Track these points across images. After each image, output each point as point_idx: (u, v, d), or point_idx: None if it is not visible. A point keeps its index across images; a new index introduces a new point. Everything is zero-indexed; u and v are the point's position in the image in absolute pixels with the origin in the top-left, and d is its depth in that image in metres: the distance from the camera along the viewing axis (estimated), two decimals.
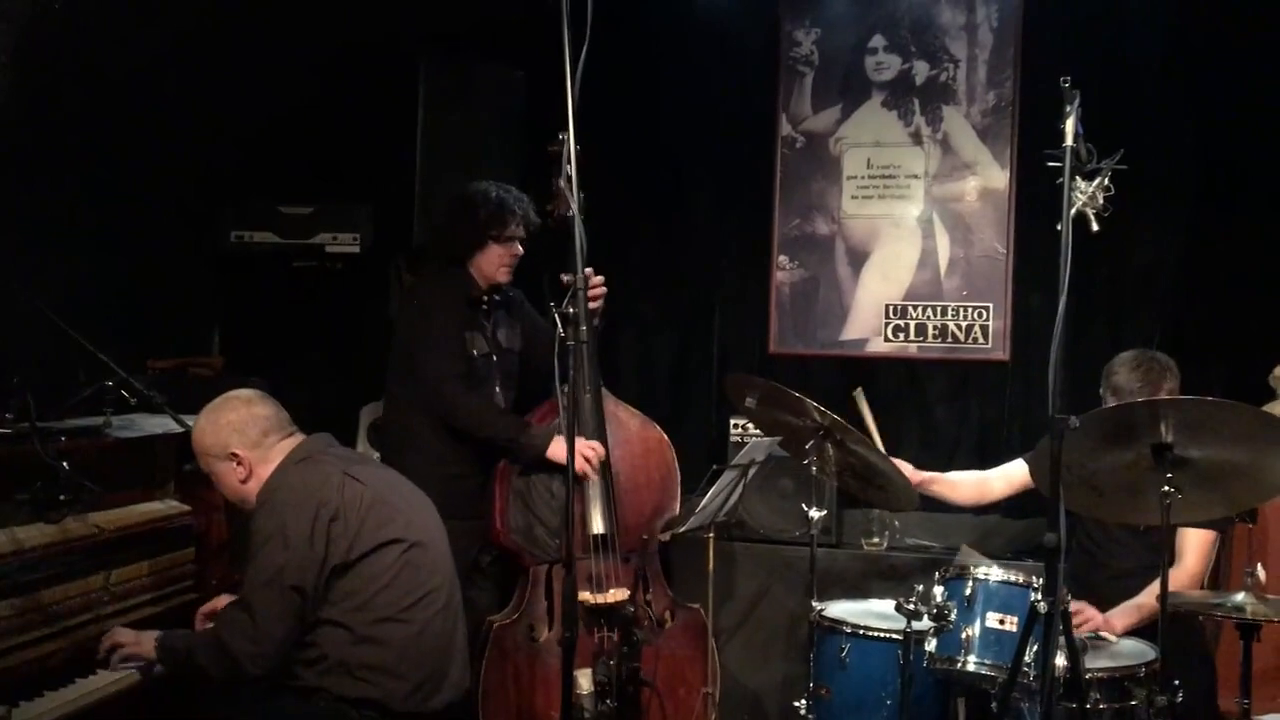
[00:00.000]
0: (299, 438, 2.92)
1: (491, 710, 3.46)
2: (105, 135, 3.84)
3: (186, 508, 3.16)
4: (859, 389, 3.73)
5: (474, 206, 3.73)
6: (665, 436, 3.90)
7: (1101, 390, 3.50)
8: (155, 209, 4.07)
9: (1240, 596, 2.76)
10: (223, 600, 3.01)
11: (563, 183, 3.67)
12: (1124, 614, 3.26)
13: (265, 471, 2.84)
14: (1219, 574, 3.73)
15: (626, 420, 3.84)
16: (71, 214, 3.72)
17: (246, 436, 2.84)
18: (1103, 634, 3.22)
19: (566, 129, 2.85)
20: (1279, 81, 4.23)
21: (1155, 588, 3.08)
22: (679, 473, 3.89)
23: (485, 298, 3.79)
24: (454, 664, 2.91)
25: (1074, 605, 3.07)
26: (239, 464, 2.84)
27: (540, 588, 3.64)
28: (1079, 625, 3.13)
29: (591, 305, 3.64)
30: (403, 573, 2.79)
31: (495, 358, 3.80)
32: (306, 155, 4.51)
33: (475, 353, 3.73)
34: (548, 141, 3.20)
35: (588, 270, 3.65)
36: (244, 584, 2.74)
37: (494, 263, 3.75)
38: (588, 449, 3.57)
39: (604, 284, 3.66)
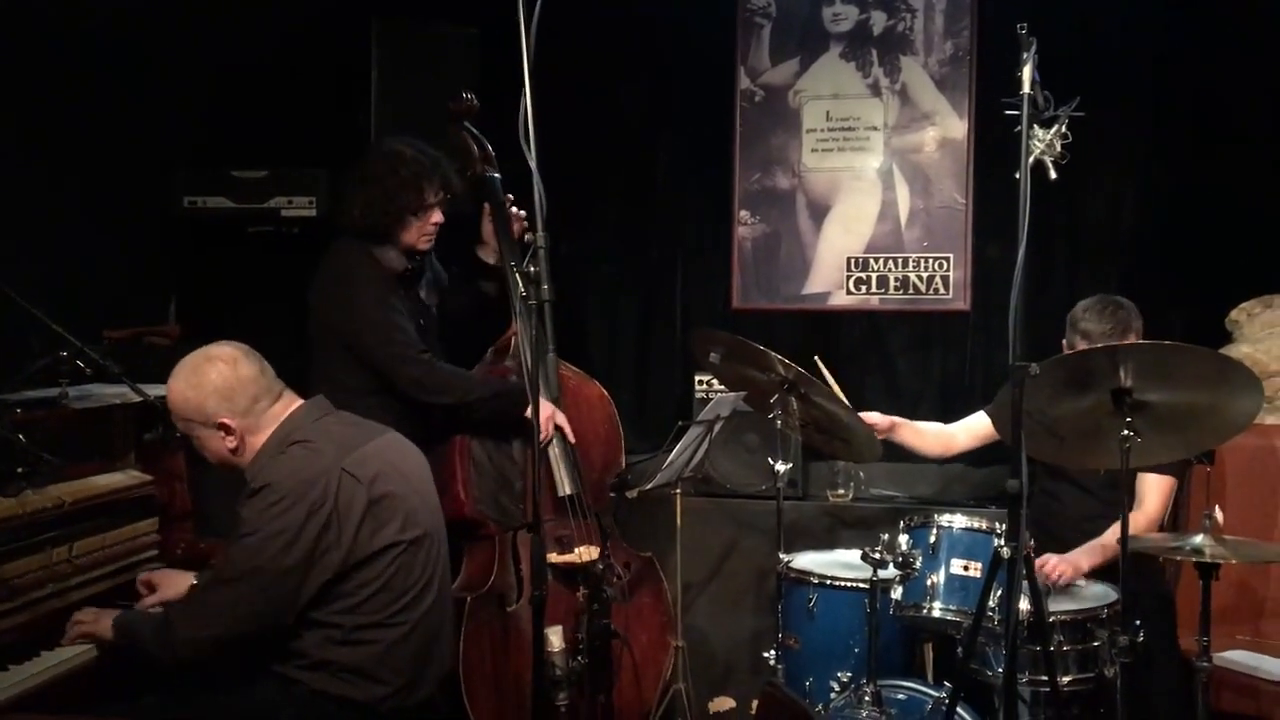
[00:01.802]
0: (290, 400, 2.72)
1: (474, 684, 3.41)
2: (54, 101, 3.76)
3: (148, 477, 3.12)
4: (816, 357, 3.71)
5: (388, 177, 3.44)
6: (604, 391, 3.86)
7: (1066, 338, 3.51)
8: (106, 175, 3.99)
9: (1199, 538, 2.79)
10: (161, 574, 2.94)
11: (475, 145, 3.67)
12: (1089, 553, 3.32)
13: (257, 441, 2.64)
14: (1178, 516, 3.79)
15: (567, 378, 3.77)
16: (20, 183, 3.64)
17: (235, 404, 2.61)
18: (1077, 582, 3.27)
19: (521, 85, 2.79)
20: (1236, 27, 4.24)
21: (1118, 529, 3.14)
22: (621, 426, 3.86)
23: (409, 266, 3.59)
24: (439, 655, 2.80)
25: (1039, 560, 3.12)
26: (228, 434, 2.62)
27: (508, 555, 3.59)
28: (1055, 579, 3.18)
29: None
30: (396, 576, 2.63)
31: (423, 321, 3.67)
32: (259, 118, 4.42)
33: (418, 322, 3.61)
34: (508, 97, 3.14)
35: (508, 196, 3.67)
36: (214, 568, 2.64)
37: (415, 235, 3.52)
38: (558, 417, 3.56)
39: (525, 217, 3.61)
